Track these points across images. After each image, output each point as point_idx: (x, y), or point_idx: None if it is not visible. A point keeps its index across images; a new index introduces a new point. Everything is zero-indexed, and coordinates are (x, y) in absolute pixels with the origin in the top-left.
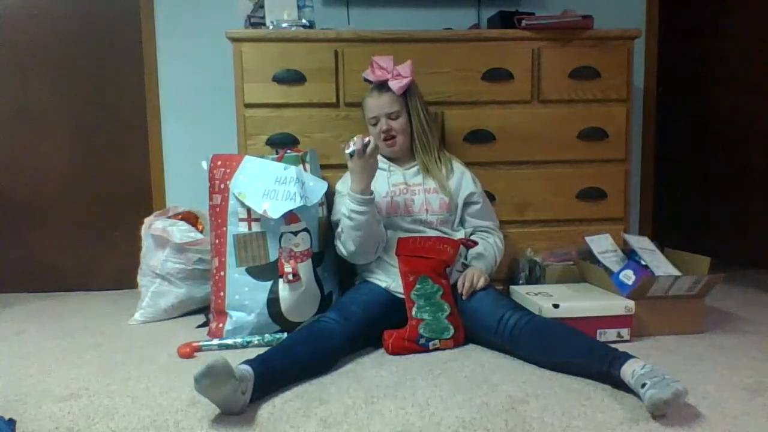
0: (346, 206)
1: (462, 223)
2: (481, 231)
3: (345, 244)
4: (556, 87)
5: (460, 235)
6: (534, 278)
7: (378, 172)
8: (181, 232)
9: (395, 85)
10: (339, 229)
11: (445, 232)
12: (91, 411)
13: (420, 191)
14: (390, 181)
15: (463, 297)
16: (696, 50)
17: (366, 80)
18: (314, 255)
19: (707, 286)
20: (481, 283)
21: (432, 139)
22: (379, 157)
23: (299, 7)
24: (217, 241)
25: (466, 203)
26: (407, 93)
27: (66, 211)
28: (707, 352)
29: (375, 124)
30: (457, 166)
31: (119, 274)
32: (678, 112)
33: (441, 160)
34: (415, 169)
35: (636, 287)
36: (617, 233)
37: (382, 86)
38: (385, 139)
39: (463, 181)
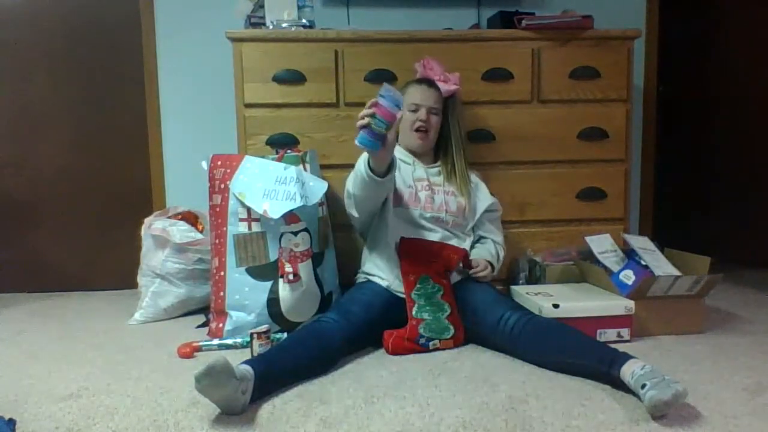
0: (359, 184)
1: (474, 229)
2: (489, 239)
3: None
4: (556, 87)
5: (469, 241)
6: (534, 278)
7: (402, 165)
8: (181, 232)
9: (444, 86)
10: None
11: (455, 234)
12: (91, 411)
13: (440, 191)
14: (414, 175)
15: (470, 273)
16: (696, 49)
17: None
18: (314, 255)
19: (707, 286)
20: (486, 273)
21: (463, 152)
22: (403, 150)
23: (299, 7)
24: (217, 241)
25: (488, 210)
26: (449, 100)
27: (66, 211)
28: (707, 352)
29: (415, 110)
30: (474, 177)
31: (119, 274)
32: (678, 112)
33: (465, 173)
34: (437, 170)
35: (636, 287)
36: (617, 233)
37: (431, 83)
38: (418, 129)
39: (479, 192)
